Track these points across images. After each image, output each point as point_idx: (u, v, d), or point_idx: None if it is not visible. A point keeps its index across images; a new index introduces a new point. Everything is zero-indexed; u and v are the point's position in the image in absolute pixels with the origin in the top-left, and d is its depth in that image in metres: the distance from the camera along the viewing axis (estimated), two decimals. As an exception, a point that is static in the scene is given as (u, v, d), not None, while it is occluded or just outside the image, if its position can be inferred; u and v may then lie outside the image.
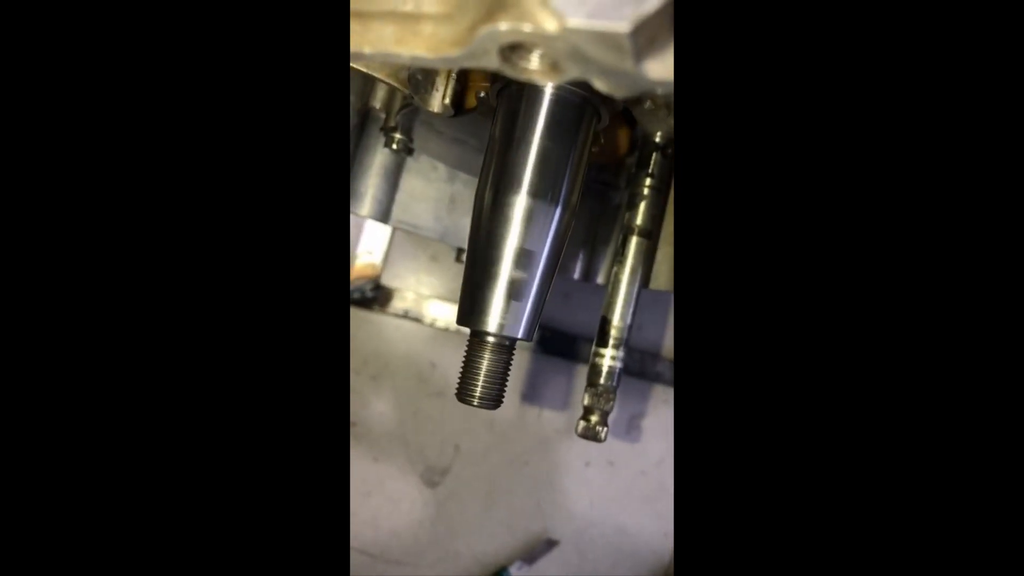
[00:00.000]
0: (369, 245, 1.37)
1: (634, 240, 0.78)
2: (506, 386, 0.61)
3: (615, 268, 0.78)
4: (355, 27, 0.35)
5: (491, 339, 0.59)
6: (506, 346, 0.60)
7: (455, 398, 0.61)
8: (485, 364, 0.59)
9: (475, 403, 0.60)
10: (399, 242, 1.41)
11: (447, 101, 0.64)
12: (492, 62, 0.34)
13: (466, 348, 0.61)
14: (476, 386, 0.59)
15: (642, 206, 0.78)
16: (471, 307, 0.59)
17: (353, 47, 0.35)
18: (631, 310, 0.77)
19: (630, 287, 0.77)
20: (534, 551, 1.37)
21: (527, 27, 0.30)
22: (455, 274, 1.42)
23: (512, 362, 0.61)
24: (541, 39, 0.31)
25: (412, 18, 0.35)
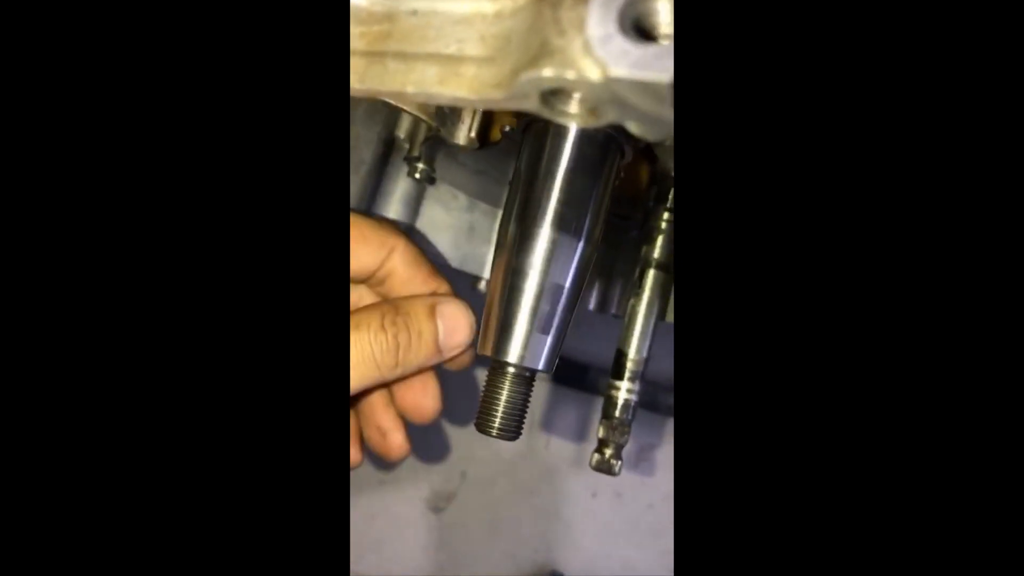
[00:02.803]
0: (383, 269, 1.38)
1: (651, 273, 0.78)
2: (525, 418, 0.61)
3: (632, 301, 0.78)
4: (399, 67, 0.37)
5: (511, 370, 0.60)
6: (526, 377, 0.60)
7: (469, 427, 0.62)
8: (505, 395, 0.60)
9: (494, 434, 0.60)
10: (413, 267, 1.42)
11: (472, 134, 0.65)
12: (532, 105, 0.35)
13: (486, 378, 0.61)
14: (496, 417, 0.60)
15: (659, 240, 0.79)
16: (492, 337, 0.59)
17: (396, 86, 0.36)
18: (647, 343, 0.77)
19: (647, 320, 0.77)
20: (539, 582, 1.36)
21: (571, 74, 0.31)
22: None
23: (531, 394, 0.61)
24: (584, 86, 0.32)
25: (454, 60, 0.36)
